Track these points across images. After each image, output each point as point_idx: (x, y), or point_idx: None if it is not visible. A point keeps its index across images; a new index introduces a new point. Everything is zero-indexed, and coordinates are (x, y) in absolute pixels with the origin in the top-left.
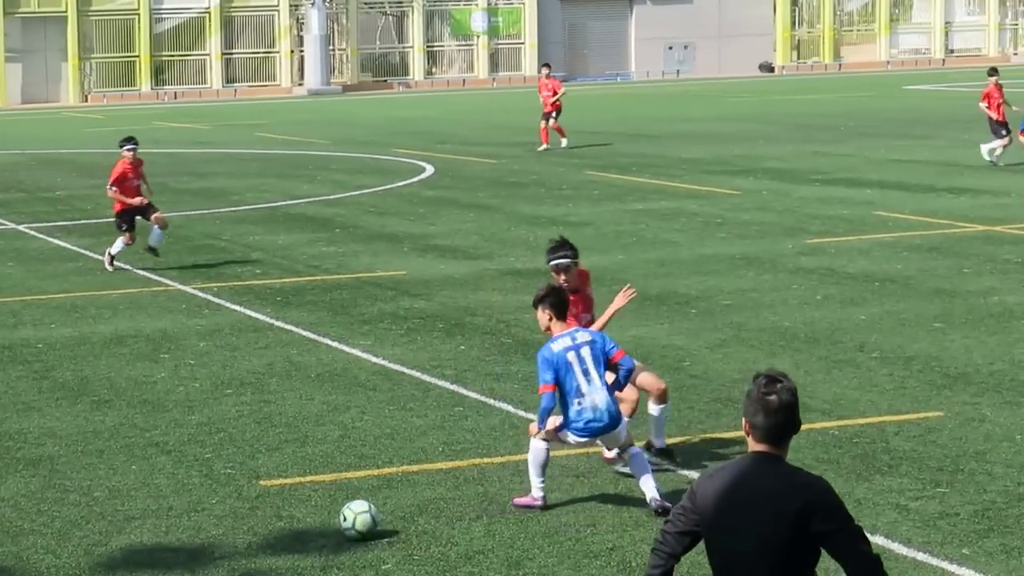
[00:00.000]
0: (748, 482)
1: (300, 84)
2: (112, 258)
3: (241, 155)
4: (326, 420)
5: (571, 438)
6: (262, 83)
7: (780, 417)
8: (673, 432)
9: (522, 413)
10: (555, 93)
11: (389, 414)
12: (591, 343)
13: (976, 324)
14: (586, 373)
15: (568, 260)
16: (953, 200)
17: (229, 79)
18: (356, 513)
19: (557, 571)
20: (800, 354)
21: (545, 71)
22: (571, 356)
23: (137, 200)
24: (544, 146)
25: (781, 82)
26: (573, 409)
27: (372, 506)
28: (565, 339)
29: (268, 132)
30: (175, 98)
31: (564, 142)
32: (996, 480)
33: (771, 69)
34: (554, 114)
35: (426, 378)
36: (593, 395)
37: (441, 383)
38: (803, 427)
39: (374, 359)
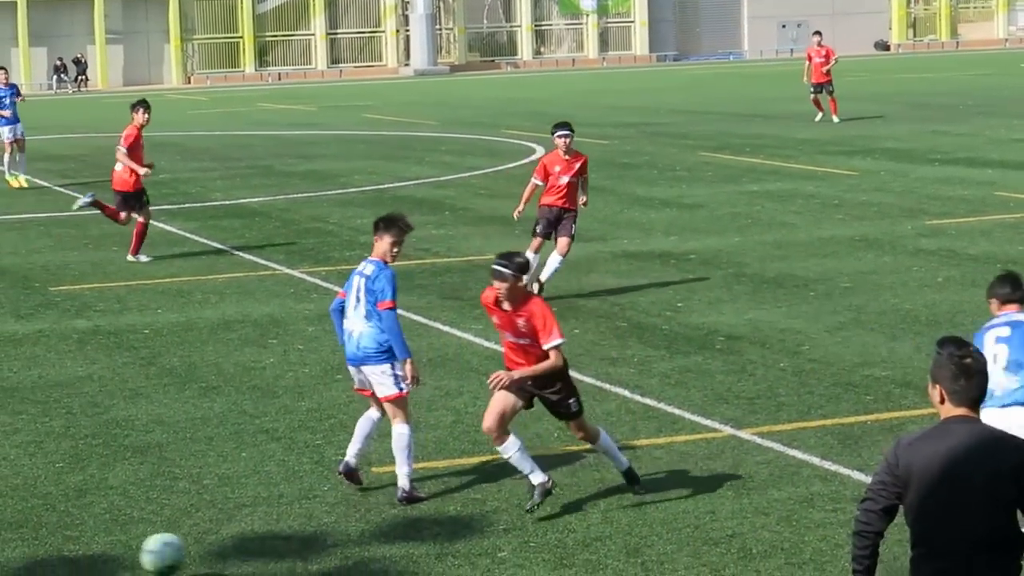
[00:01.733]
0: (961, 445)
1: (406, 64)
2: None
3: (348, 137)
4: (438, 405)
5: None
6: (368, 63)
7: (979, 379)
8: (792, 417)
9: (638, 398)
10: (828, 60)
11: None
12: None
13: None
14: (359, 300)
15: (504, 270)
16: None
17: (334, 60)
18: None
19: (676, 558)
20: (921, 337)
21: (816, 38)
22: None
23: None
24: (820, 115)
25: (897, 60)
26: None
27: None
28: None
29: (375, 113)
30: (279, 79)
31: (836, 119)
32: None
33: (887, 47)
34: (829, 85)
35: None
36: (354, 321)
37: None
38: (925, 412)
39: (486, 344)
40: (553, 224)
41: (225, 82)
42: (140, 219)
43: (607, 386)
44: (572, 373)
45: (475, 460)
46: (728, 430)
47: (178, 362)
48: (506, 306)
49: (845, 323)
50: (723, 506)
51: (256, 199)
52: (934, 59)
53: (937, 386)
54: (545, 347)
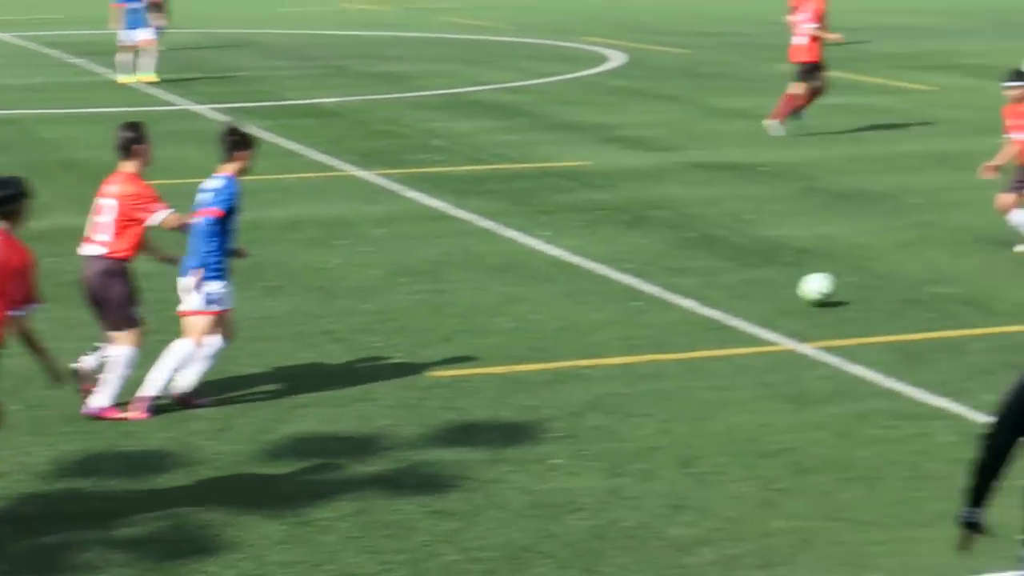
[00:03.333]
0: None
1: None
2: None
3: (426, 39)
4: (500, 312)
5: None
6: None
7: None
8: (856, 332)
9: (702, 310)
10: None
11: (565, 307)
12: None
13: None
14: None
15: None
16: None
17: None
18: None
19: (728, 470)
20: (989, 255)
21: None
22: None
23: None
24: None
25: None
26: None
27: None
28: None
29: (454, 17)
30: None
31: None
32: None
33: None
34: None
35: (605, 271)
36: None
37: (620, 277)
38: (988, 331)
39: (553, 251)
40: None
41: None
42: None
43: (671, 296)
44: (636, 283)
45: (532, 367)
46: (791, 344)
47: (244, 261)
48: None
49: (913, 240)
50: (779, 420)
51: (330, 99)
52: None
53: None
54: None
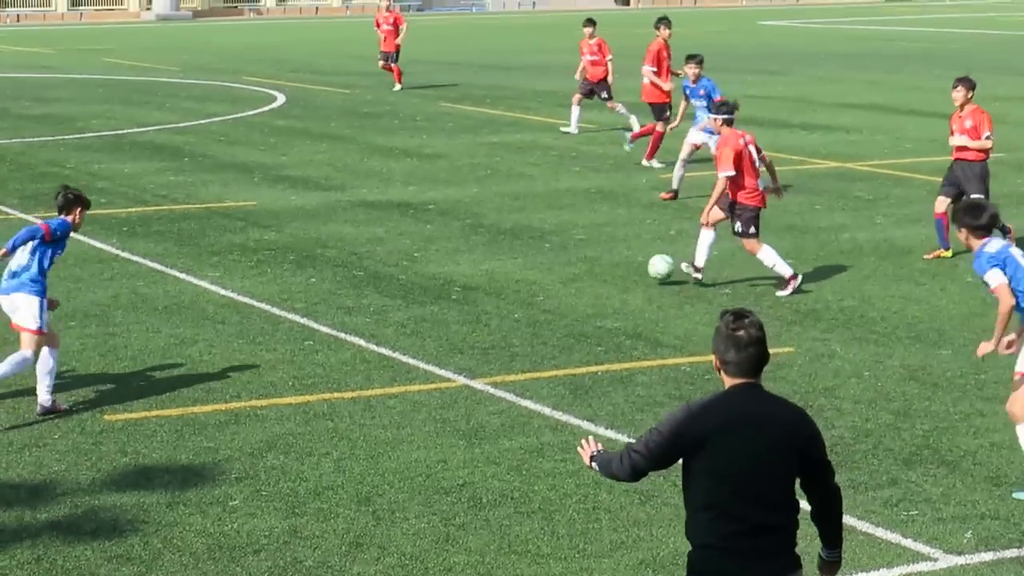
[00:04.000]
0: (748, 410)
1: (148, 8)
2: None
3: (87, 81)
4: (173, 353)
5: None
6: (109, 7)
7: (752, 351)
8: (526, 367)
9: (374, 347)
10: (397, 29)
11: (238, 347)
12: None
13: (827, 260)
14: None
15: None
16: (806, 136)
17: (74, 2)
18: None
19: (407, 507)
20: (652, 289)
21: (385, 3)
22: None
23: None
24: (399, 86)
25: (637, 15)
26: None
27: None
28: None
29: (115, 57)
30: (18, 21)
31: (398, 87)
32: (844, 416)
33: (627, 2)
34: (394, 54)
35: (276, 311)
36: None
37: (291, 316)
38: (654, 363)
39: (223, 291)
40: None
41: None
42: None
43: (343, 335)
44: (307, 322)
45: (207, 408)
46: (462, 380)
47: None
48: None
49: (579, 274)
50: (455, 455)
51: None
52: (673, 14)
53: (715, 355)
54: None
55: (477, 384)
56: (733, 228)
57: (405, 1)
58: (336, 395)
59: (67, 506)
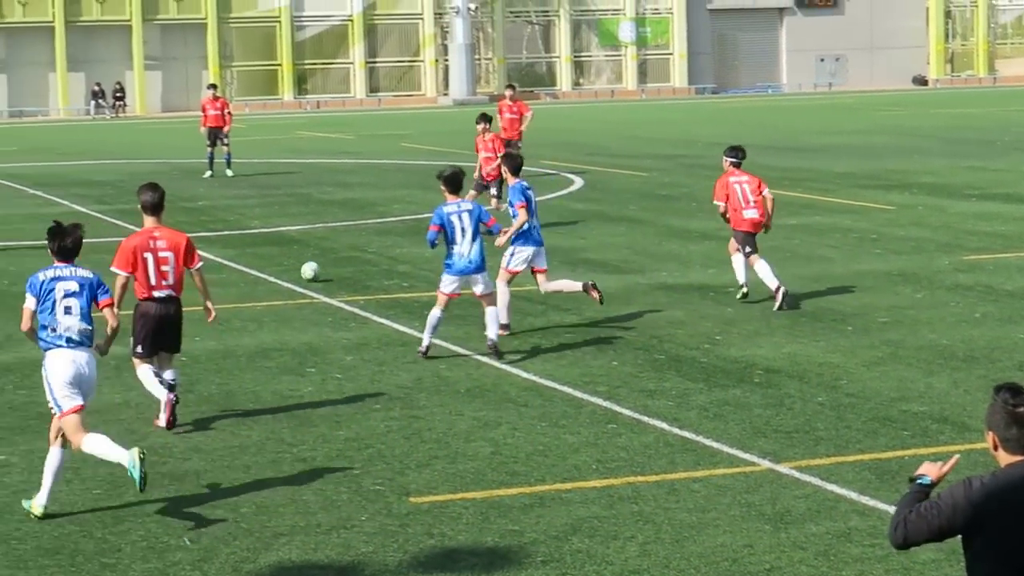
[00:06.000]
0: None
1: (445, 94)
2: None
3: (385, 166)
4: (476, 436)
5: (444, 281)
6: (406, 92)
7: None
8: (830, 451)
9: (676, 431)
10: (521, 117)
11: (541, 430)
12: (469, 211)
13: None
14: (463, 231)
15: None
16: None
17: (372, 88)
18: None
19: None
20: (959, 372)
21: (509, 92)
22: (454, 217)
23: None
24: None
25: (935, 95)
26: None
27: None
28: (451, 206)
29: (413, 143)
30: (318, 107)
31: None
32: None
33: (924, 82)
34: (519, 143)
35: (578, 394)
36: (462, 246)
37: (594, 399)
38: (962, 447)
39: (524, 375)
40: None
41: (264, 109)
42: None
43: (645, 418)
44: (609, 405)
45: (513, 491)
46: (766, 463)
47: (216, 390)
48: None
49: (882, 357)
50: (760, 540)
51: (294, 227)
52: (971, 94)
53: (991, 432)
54: None
55: (782, 468)
56: None
57: (701, 83)
58: (640, 478)
59: None
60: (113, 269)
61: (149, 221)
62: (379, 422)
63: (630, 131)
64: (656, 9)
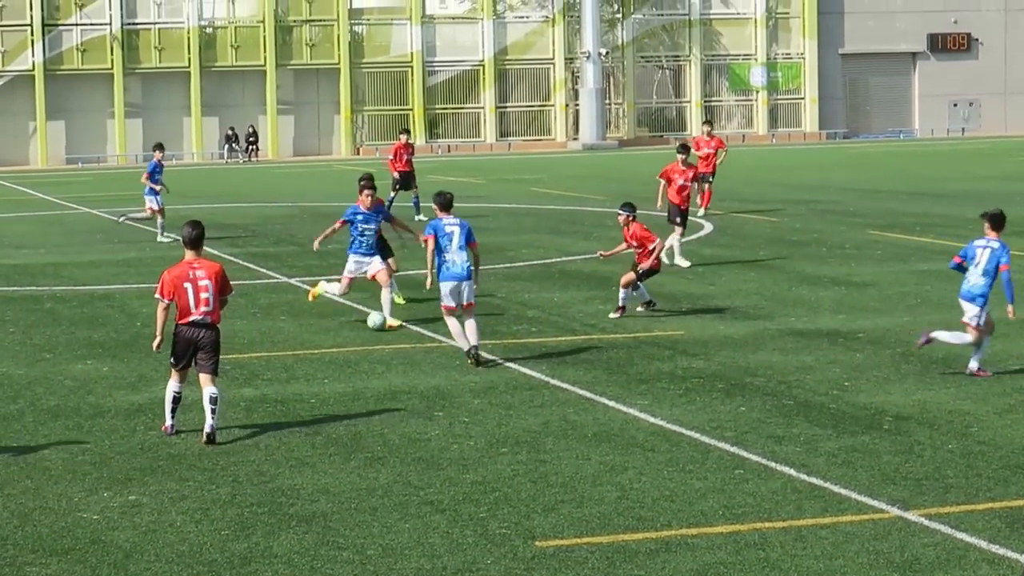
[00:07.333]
0: None
1: (575, 138)
2: None
3: (516, 210)
4: (603, 480)
5: (442, 289)
6: (536, 137)
7: None
8: (960, 499)
9: (804, 477)
10: (716, 152)
11: (668, 475)
12: (459, 226)
13: None
14: (452, 241)
15: None
16: None
17: (503, 133)
18: None
19: None
20: None
21: (706, 128)
22: (448, 228)
23: None
24: (703, 210)
25: None
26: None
27: None
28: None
29: (543, 187)
30: (448, 151)
31: (702, 211)
32: None
33: None
34: (711, 176)
35: (705, 439)
36: (453, 255)
37: (721, 445)
38: None
39: (652, 419)
40: None
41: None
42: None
43: (773, 464)
44: (737, 450)
45: (639, 536)
46: (895, 511)
47: (344, 432)
48: None
49: (1015, 405)
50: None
51: (423, 271)
52: None
53: None
54: None
55: (911, 516)
56: None
57: (832, 128)
58: (767, 525)
59: None
60: (156, 297)
61: (189, 254)
62: (506, 466)
63: (761, 176)
64: (788, 54)
